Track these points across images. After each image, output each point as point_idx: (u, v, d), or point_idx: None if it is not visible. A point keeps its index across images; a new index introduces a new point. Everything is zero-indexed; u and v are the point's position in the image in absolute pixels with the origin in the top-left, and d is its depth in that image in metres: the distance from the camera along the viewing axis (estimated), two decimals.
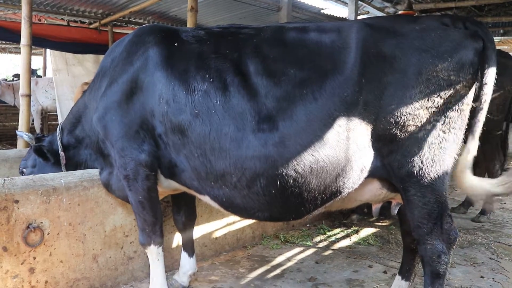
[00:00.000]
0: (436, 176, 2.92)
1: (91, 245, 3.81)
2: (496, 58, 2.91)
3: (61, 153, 3.83)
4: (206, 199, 3.27)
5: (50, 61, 11.66)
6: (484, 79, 2.86)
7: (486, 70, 2.86)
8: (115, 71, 3.38)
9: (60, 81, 11.63)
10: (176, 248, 4.44)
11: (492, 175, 6.22)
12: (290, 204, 3.03)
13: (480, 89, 2.88)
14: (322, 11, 11.67)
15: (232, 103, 2.93)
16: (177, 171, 3.23)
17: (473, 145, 2.89)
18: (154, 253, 3.53)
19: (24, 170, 4.01)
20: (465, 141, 2.95)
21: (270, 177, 2.89)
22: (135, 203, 3.39)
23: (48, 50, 11.74)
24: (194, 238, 4.16)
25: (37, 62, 18.55)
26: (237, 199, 3.06)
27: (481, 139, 5.89)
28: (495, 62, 2.89)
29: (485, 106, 2.88)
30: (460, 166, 2.93)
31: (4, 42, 15.41)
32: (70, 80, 11.70)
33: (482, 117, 2.89)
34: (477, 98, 2.90)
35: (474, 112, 2.93)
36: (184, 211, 3.98)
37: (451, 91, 2.83)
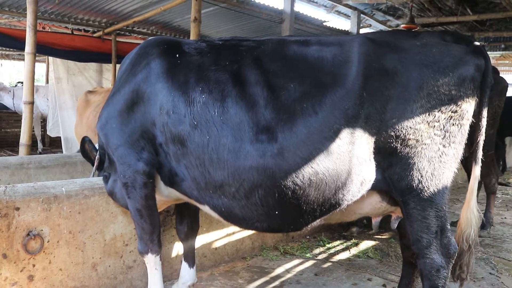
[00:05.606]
0: (436, 190, 2.93)
1: (91, 253, 3.81)
2: (491, 81, 2.98)
3: (97, 156, 3.90)
4: (206, 209, 3.28)
5: (52, 69, 11.73)
6: (481, 103, 3.01)
7: (482, 93, 2.99)
8: (120, 82, 3.43)
9: (61, 90, 11.70)
10: (176, 258, 4.44)
11: (489, 189, 6.28)
12: (288, 215, 3.04)
13: (478, 114, 3.02)
14: (324, 23, 11.75)
15: (230, 113, 2.95)
16: (177, 180, 3.24)
17: (478, 170, 3.10)
18: (151, 261, 3.53)
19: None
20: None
21: (268, 188, 2.90)
22: (133, 211, 3.41)
23: (50, 57, 11.80)
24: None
25: (39, 69, 18.61)
26: (235, 209, 3.07)
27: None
28: (490, 84, 2.98)
29: (482, 138, 3.09)
30: (469, 191, 3.14)
31: (7, 49, 15.49)
32: (70, 89, 11.78)
33: (480, 144, 3.09)
34: (475, 123, 3.03)
35: (472, 139, 3.11)
36: (187, 221, 4.00)
37: (452, 106, 2.86)
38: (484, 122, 3.06)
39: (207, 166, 3.00)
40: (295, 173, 2.84)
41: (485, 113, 3.05)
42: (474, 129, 3.07)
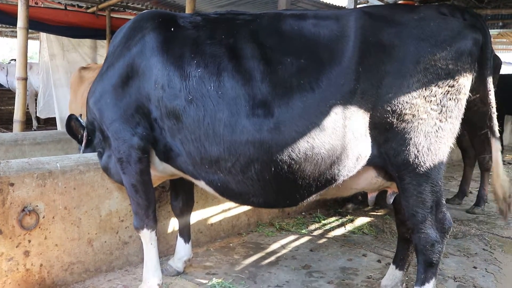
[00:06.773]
0: (432, 165, 2.93)
1: (87, 229, 3.82)
2: (492, 52, 2.96)
3: (85, 134, 3.83)
4: (201, 184, 3.28)
5: (46, 46, 11.55)
6: (485, 79, 3.01)
7: (483, 66, 2.96)
8: (113, 56, 3.39)
9: (56, 67, 11.54)
10: (171, 234, 4.45)
11: (483, 167, 6.30)
12: (284, 190, 3.04)
13: (484, 88, 3.03)
14: None
15: (226, 88, 2.93)
16: (172, 155, 3.23)
17: (498, 143, 3.16)
18: (147, 237, 3.54)
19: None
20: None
21: (264, 163, 2.90)
22: (129, 186, 3.41)
23: (43, 34, 11.62)
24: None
25: (33, 46, 18.39)
26: (231, 184, 3.07)
27: (470, 133, 5.96)
28: (491, 56, 2.95)
29: (493, 108, 3.12)
30: (494, 163, 3.15)
31: (0, 25, 15.28)
32: (65, 65, 11.62)
33: (494, 118, 3.14)
34: (483, 99, 3.02)
35: (485, 114, 3.16)
36: (182, 197, 3.99)
37: (449, 80, 2.84)
38: (491, 95, 3.08)
39: (202, 141, 2.99)
40: (291, 147, 2.83)
41: (490, 86, 3.06)
42: (483, 105, 3.11)
